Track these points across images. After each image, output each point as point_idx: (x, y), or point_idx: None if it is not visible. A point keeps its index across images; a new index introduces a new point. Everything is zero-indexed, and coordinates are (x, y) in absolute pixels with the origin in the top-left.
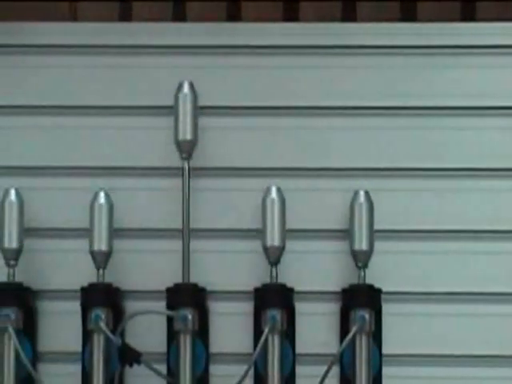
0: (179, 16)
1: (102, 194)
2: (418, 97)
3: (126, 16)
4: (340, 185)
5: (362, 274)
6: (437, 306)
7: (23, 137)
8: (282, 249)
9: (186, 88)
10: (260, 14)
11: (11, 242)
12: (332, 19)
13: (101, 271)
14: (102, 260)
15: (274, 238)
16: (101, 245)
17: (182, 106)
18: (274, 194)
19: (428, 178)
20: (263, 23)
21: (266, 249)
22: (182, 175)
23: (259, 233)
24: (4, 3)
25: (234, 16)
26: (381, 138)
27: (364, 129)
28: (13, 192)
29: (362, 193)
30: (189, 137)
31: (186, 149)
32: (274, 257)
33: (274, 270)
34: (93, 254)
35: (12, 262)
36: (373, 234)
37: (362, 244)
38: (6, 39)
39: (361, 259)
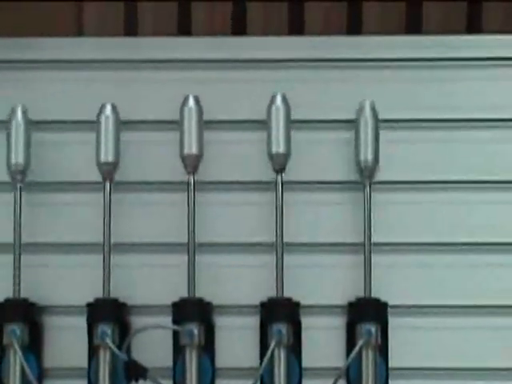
0: (185, 30)
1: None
2: (425, 109)
3: (131, 30)
4: (346, 197)
5: (369, 287)
6: (444, 319)
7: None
8: (287, 156)
9: (191, 102)
10: (266, 28)
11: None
12: (338, 32)
13: (106, 282)
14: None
15: (279, 145)
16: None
17: (188, 120)
18: (279, 101)
19: (434, 190)
20: (269, 37)
21: (271, 157)
22: (188, 189)
23: (265, 247)
24: (9, 18)
25: (239, 30)
26: (385, 151)
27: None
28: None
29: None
30: (194, 151)
31: (192, 163)
32: (279, 164)
33: (279, 177)
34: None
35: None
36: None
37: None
38: (13, 54)
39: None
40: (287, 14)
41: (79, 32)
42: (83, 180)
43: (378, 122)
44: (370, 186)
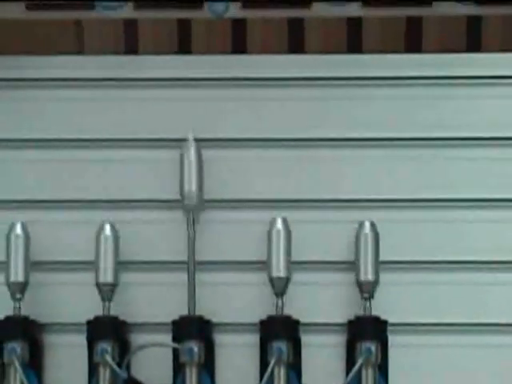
0: (185, 49)
1: (107, 227)
2: (425, 128)
3: (132, 49)
4: (345, 216)
5: (368, 305)
6: (443, 336)
7: (30, 170)
8: (287, 280)
9: (190, 141)
10: (265, 47)
11: (17, 275)
12: (338, 51)
13: (106, 304)
14: (107, 292)
15: (279, 269)
16: (107, 277)
17: (187, 163)
18: (279, 225)
19: (435, 208)
20: (268, 55)
21: (271, 280)
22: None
23: (265, 264)
24: (9, 37)
25: (239, 48)
26: (386, 169)
27: (370, 159)
28: (19, 226)
29: (367, 223)
30: (194, 188)
31: (191, 202)
32: (279, 288)
33: (279, 301)
34: (99, 286)
35: (18, 296)
36: (378, 264)
37: (367, 274)
38: (13, 73)
39: (366, 290)
40: (287, 34)
41: (79, 50)
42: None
43: None
44: None
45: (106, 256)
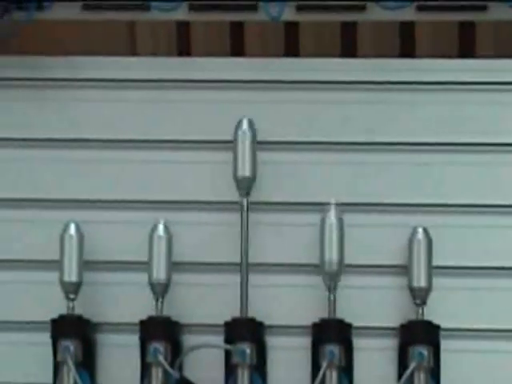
0: (237, 51)
1: (160, 227)
2: (478, 133)
3: (184, 50)
4: (399, 220)
5: (421, 310)
6: (496, 342)
7: (84, 171)
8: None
9: (245, 125)
10: (318, 49)
11: (71, 275)
12: (391, 55)
13: (159, 303)
14: (160, 291)
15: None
16: (159, 275)
17: (241, 142)
18: (333, 220)
19: (488, 214)
20: (321, 58)
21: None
22: (241, 211)
23: (315, 267)
24: (64, 38)
25: (292, 51)
26: (440, 175)
27: (423, 165)
28: (73, 226)
29: (420, 229)
30: (247, 174)
31: (245, 185)
32: (334, 290)
33: (332, 304)
34: (152, 284)
35: (72, 296)
36: (431, 270)
37: (420, 281)
38: (68, 73)
39: (419, 296)
40: (339, 37)
41: (133, 52)
42: None
43: None
44: None
45: (159, 255)
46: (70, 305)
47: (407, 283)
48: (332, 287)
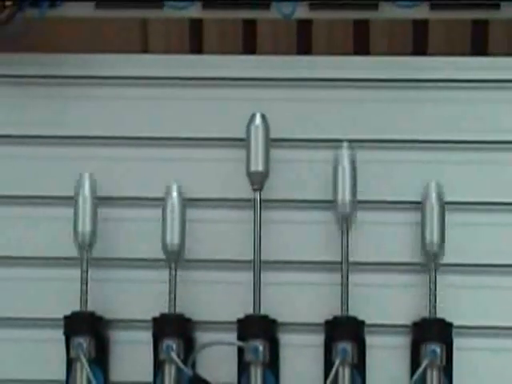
0: (249, 49)
1: (174, 188)
2: (495, 131)
3: (197, 48)
4: (410, 218)
5: (433, 307)
6: (509, 340)
7: (97, 168)
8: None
9: (257, 120)
10: (331, 47)
11: (85, 225)
12: (403, 53)
13: (172, 300)
14: (173, 257)
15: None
16: (173, 240)
17: (254, 137)
18: (346, 162)
19: (500, 212)
20: (334, 56)
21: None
22: (254, 206)
23: (328, 264)
24: (77, 35)
25: (304, 49)
26: (452, 172)
27: (433, 163)
28: (86, 176)
29: (433, 184)
30: (260, 168)
31: (258, 180)
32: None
33: (345, 302)
34: (165, 249)
35: (86, 246)
36: (444, 227)
37: (433, 236)
38: (80, 71)
39: (431, 252)
40: (352, 35)
41: (144, 49)
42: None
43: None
44: None
45: (173, 218)
46: (83, 300)
47: (419, 280)
48: (344, 227)
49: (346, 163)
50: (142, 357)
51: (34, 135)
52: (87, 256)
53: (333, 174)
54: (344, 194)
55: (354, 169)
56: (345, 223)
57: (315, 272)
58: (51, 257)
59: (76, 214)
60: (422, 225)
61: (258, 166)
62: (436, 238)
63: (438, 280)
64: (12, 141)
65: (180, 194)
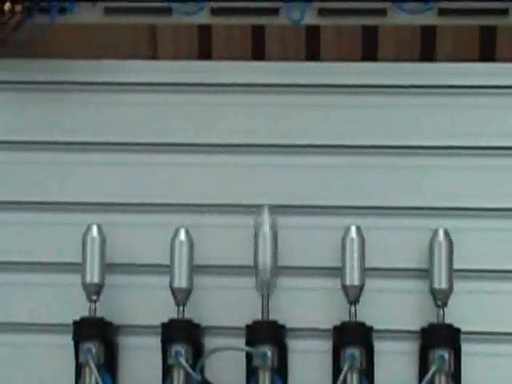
0: (258, 55)
1: (182, 232)
2: (500, 136)
3: (205, 54)
4: (420, 223)
5: (442, 313)
6: None
7: (106, 173)
8: (361, 288)
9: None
10: (339, 53)
11: (93, 277)
12: (410, 59)
13: (181, 308)
14: (182, 297)
15: (353, 277)
16: (181, 281)
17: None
18: (353, 233)
19: (509, 217)
20: (340, 62)
21: (344, 287)
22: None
23: (338, 271)
24: (84, 41)
25: (313, 55)
26: (461, 178)
27: (444, 168)
28: (95, 228)
29: (441, 231)
30: None
31: None
32: (352, 295)
33: (352, 308)
34: (173, 290)
35: (93, 297)
36: (452, 272)
37: (441, 283)
38: (90, 77)
39: (440, 298)
40: (360, 41)
41: (153, 55)
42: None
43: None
44: None
45: (180, 261)
46: (92, 307)
47: (428, 285)
48: (353, 295)
49: None
50: (151, 362)
51: (42, 141)
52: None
53: None
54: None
55: None
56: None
57: (324, 278)
58: (61, 262)
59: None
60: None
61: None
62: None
63: None
64: (22, 147)
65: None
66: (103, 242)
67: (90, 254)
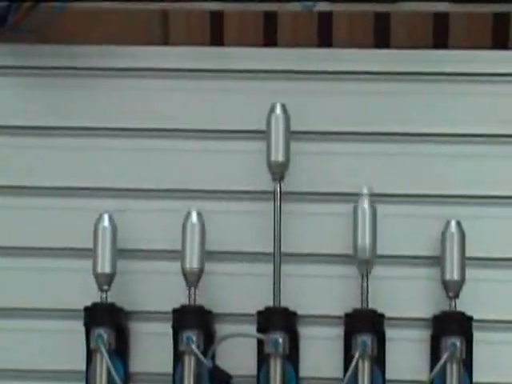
0: (270, 42)
1: (194, 214)
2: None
3: (217, 40)
4: (433, 211)
5: (453, 303)
6: None
7: (118, 159)
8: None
9: (278, 110)
10: (351, 40)
11: (104, 267)
12: (423, 46)
13: (192, 291)
14: (193, 279)
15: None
16: (193, 264)
17: (275, 127)
18: (366, 207)
19: None
20: (352, 49)
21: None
22: (274, 198)
23: (349, 258)
24: (98, 27)
25: (325, 41)
26: (473, 166)
27: (456, 156)
28: (106, 217)
29: (453, 223)
30: (281, 158)
31: (278, 170)
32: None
33: (365, 295)
34: (185, 272)
35: (105, 287)
36: (464, 263)
37: (453, 274)
38: (102, 62)
39: (452, 289)
40: (373, 28)
41: (165, 41)
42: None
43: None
44: None
45: (192, 243)
46: (103, 295)
47: (440, 275)
48: (365, 275)
49: None
50: (162, 348)
51: (56, 126)
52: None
53: None
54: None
55: None
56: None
57: (336, 265)
58: (73, 248)
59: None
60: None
61: (278, 156)
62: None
63: None
64: (35, 132)
65: None
66: (114, 230)
67: (101, 244)
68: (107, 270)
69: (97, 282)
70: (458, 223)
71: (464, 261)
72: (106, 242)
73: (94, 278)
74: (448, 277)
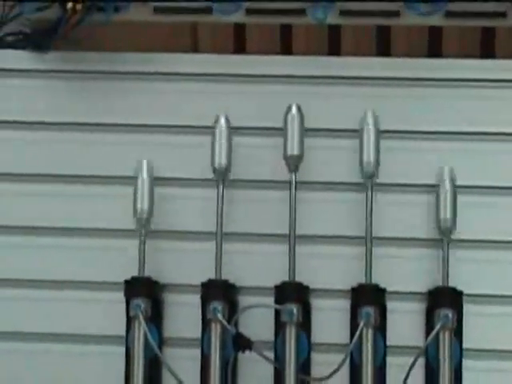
0: (286, 50)
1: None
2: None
3: (240, 49)
4: (426, 198)
5: (446, 276)
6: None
7: (151, 152)
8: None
9: (294, 109)
10: (357, 49)
11: (143, 205)
12: (420, 54)
13: (218, 268)
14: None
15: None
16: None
17: (291, 125)
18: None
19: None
20: (358, 57)
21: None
22: (290, 187)
23: (358, 239)
24: (134, 36)
25: (333, 50)
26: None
27: (458, 151)
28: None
29: (446, 169)
30: (296, 152)
31: (294, 162)
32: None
33: (368, 271)
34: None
35: (143, 220)
36: (456, 210)
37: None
38: (139, 67)
39: (445, 227)
40: (375, 39)
41: (194, 49)
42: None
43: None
44: None
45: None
46: (141, 268)
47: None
48: (369, 188)
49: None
50: (192, 316)
51: (91, 123)
52: (145, 229)
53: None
54: (369, 155)
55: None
56: (369, 185)
57: (344, 245)
58: (116, 229)
59: (135, 193)
60: (437, 206)
61: (293, 150)
62: (449, 215)
63: (451, 254)
64: (81, 128)
65: (227, 121)
66: (151, 179)
67: (140, 186)
68: (146, 207)
69: (136, 220)
70: (451, 170)
71: (455, 207)
72: (144, 185)
73: (134, 215)
74: (442, 216)
